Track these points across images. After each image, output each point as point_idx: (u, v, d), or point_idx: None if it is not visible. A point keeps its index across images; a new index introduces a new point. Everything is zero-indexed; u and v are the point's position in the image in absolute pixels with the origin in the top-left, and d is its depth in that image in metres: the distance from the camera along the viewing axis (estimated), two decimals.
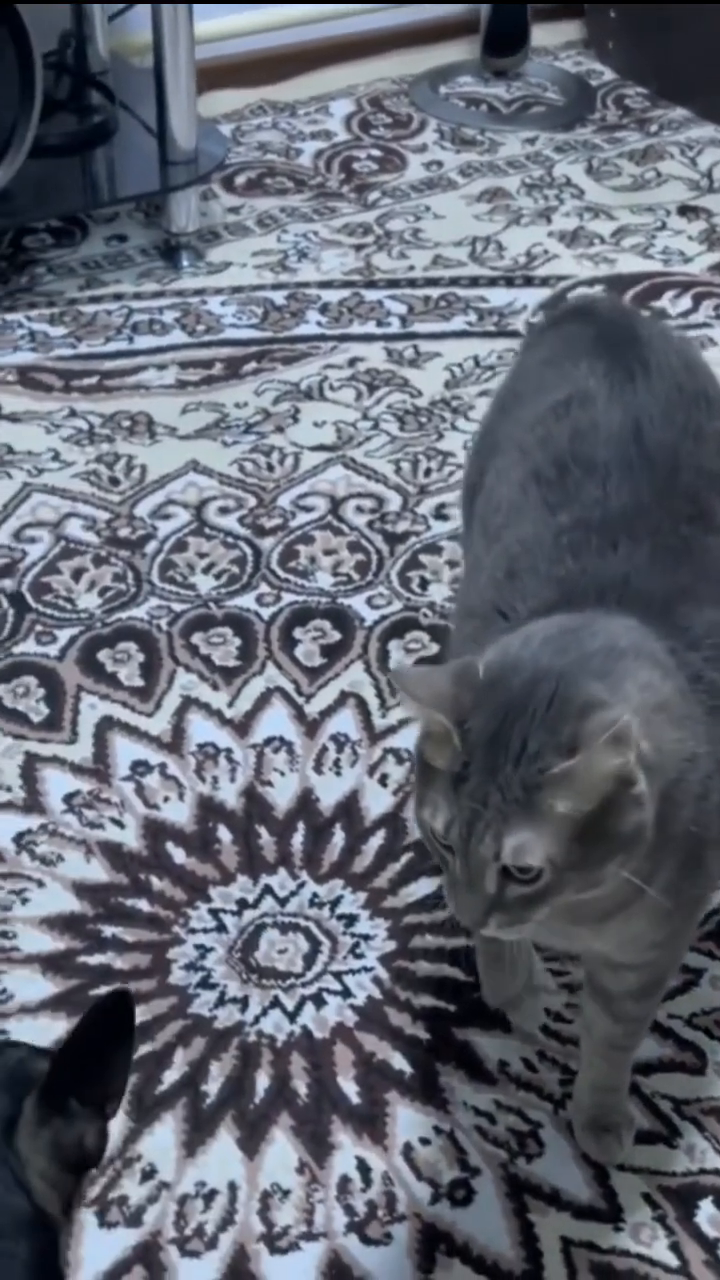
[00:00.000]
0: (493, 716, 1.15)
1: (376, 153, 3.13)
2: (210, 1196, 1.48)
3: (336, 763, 1.91)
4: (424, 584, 2.13)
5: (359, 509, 2.27)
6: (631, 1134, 1.52)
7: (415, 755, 1.22)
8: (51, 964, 1.69)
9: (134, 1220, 1.46)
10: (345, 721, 1.95)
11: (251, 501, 2.29)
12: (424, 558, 2.18)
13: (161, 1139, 1.53)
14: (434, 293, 2.71)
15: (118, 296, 2.72)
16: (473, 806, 1.14)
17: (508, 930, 1.19)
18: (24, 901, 1.75)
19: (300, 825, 1.84)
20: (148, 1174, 1.50)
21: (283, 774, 1.90)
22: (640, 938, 1.31)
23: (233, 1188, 1.49)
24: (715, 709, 1.27)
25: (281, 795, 1.87)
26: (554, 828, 1.13)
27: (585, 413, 1.42)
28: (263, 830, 1.83)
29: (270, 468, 2.35)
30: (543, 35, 3.44)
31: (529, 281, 2.73)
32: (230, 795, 1.87)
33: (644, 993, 1.42)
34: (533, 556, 1.35)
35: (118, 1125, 1.53)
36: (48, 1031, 1.62)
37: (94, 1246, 1.44)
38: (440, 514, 2.24)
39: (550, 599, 1.31)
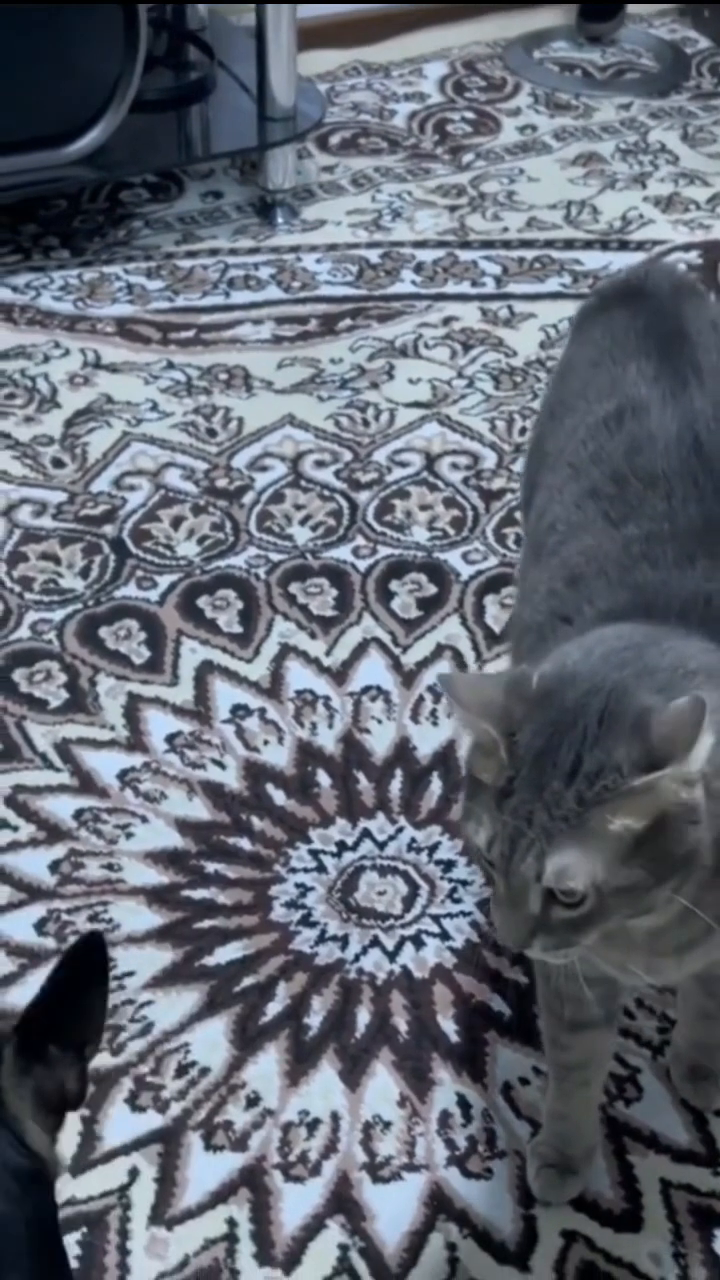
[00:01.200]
0: (542, 730, 1.11)
1: (470, 115, 3.14)
2: (313, 1125, 1.51)
3: (433, 713, 1.93)
4: (519, 541, 2.15)
5: (454, 465, 2.28)
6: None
7: (465, 768, 1.18)
8: (156, 896, 1.72)
9: (239, 1145, 1.50)
10: (442, 672, 1.97)
11: (347, 456, 2.31)
12: (520, 515, 2.19)
13: (265, 1068, 1.56)
14: (529, 254, 2.72)
15: (213, 252, 2.74)
16: (515, 824, 1.09)
17: (554, 954, 1.13)
18: (129, 836, 1.78)
19: (398, 772, 1.86)
20: (252, 1101, 1.53)
21: (380, 722, 1.92)
22: None
23: (335, 1117, 1.52)
24: None
25: (379, 742, 1.90)
26: (602, 848, 1.08)
27: (639, 425, 1.36)
28: (361, 776, 1.86)
29: (366, 423, 2.37)
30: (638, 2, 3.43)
31: (624, 245, 2.74)
32: (329, 741, 1.90)
33: None
34: (599, 563, 1.29)
35: (222, 1054, 1.57)
36: (154, 961, 1.65)
37: (200, 1169, 1.47)
38: None
39: (624, 602, 1.25)
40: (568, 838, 1.08)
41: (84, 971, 1.05)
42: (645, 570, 1.26)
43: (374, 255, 2.72)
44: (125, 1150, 1.49)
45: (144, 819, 1.80)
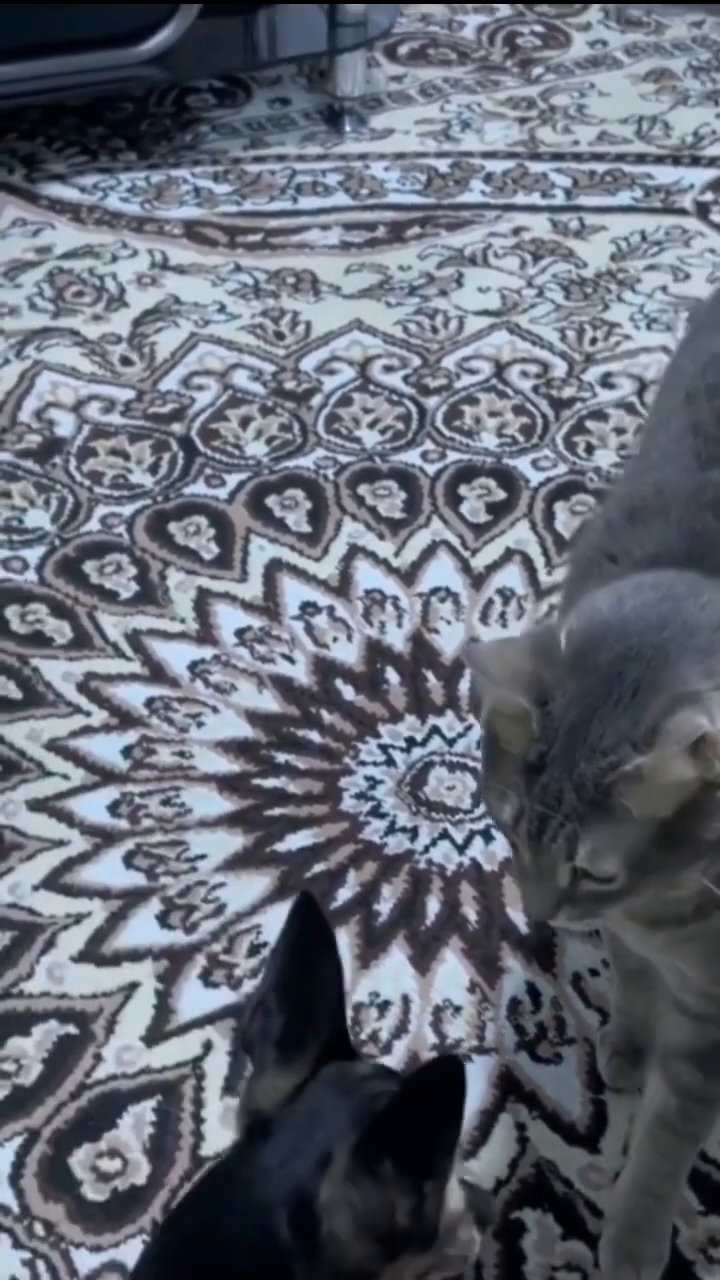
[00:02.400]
0: (575, 701, 1.03)
1: (540, 29, 3.10)
2: (384, 1006, 1.53)
3: (503, 615, 1.93)
4: (590, 449, 2.14)
5: (524, 374, 2.27)
6: (657, 1269, 1.32)
7: (484, 732, 1.10)
8: (227, 784, 1.73)
9: None
10: (511, 576, 1.97)
11: (416, 361, 2.30)
12: (590, 424, 2.18)
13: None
14: (599, 168, 2.69)
15: (281, 158, 2.72)
16: (546, 801, 1.03)
17: (578, 923, 1.10)
18: (199, 725, 1.79)
19: (467, 672, 1.87)
20: None
21: (449, 623, 1.92)
22: (700, 969, 1.19)
23: (405, 1000, 1.53)
24: None
25: (448, 643, 1.90)
26: (631, 831, 1.02)
27: None
28: (429, 675, 1.86)
29: (434, 330, 2.36)
30: None
31: (696, 161, 2.71)
32: (398, 640, 1.90)
33: (702, 1063, 1.24)
34: (666, 501, 1.20)
35: None
36: (224, 845, 1.67)
37: None
38: (606, 382, 2.24)
39: (675, 548, 1.16)
40: (597, 820, 1.02)
41: (440, 1097, 0.98)
42: (708, 519, 1.17)
43: (443, 165, 2.70)
44: (199, 1024, 1.51)
45: (214, 709, 1.81)
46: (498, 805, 1.07)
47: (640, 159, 2.72)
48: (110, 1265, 1.33)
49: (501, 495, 2.09)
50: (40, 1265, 1.33)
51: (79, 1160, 1.40)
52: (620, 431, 2.16)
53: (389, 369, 2.29)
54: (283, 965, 1.05)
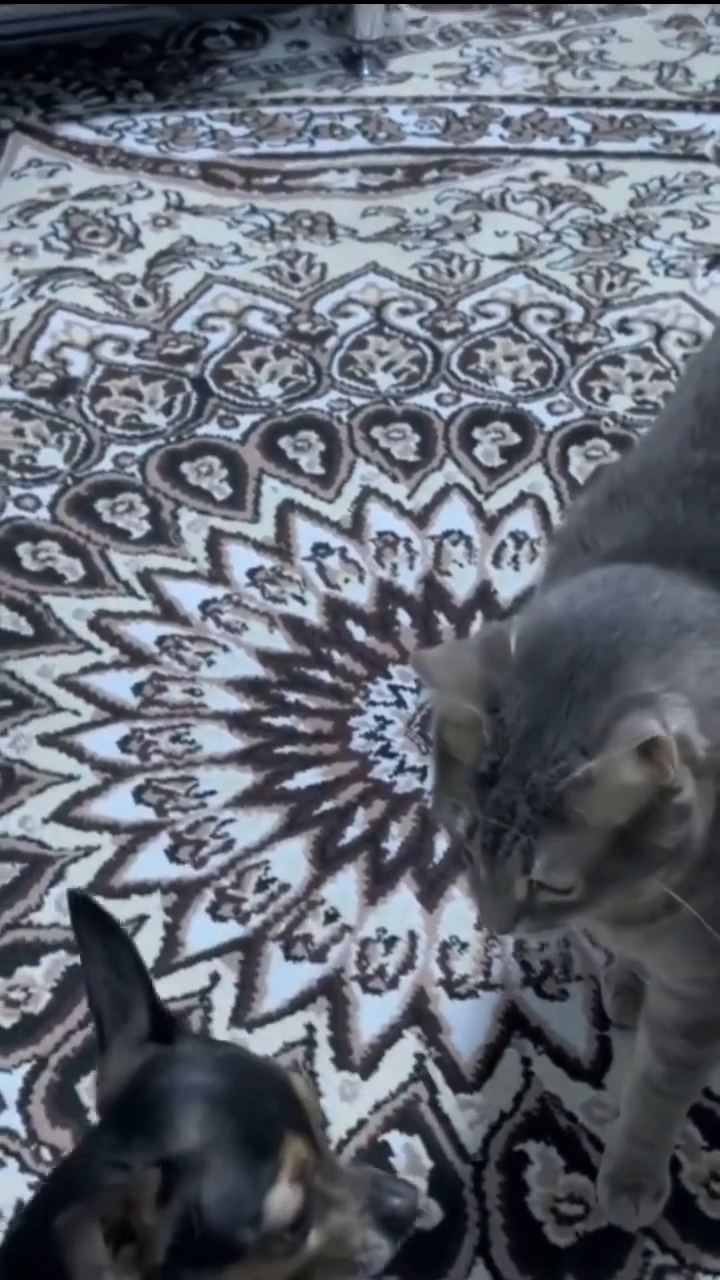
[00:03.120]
0: (527, 707, 1.00)
1: None
2: (391, 942, 1.53)
3: (515, 559, 1.92)
4: (605, 394, 2.13)
5: (540, 318, 2.26)
6: (656, 1204, 1.33)
7: (434, 740, 1.06)
8: (238, 722, 1.73)
9: (318, 957, 1.52)
10: (524, 520, 1.97)
11: (432, 305, 2.28)
12: (606, 369, 2.17)
13: (344, 887, 1.58)
14: (619, 113, 2.67)
15: (298, 100, 2.70)
16: (499, 814, 1.00)
17: (537, 935, 1.09)
18: (210, 663, 1.79)
19: (478, 615, 1.86)
20: (330, 917, 1.55)
21: (461, 565, 1.92)
22: (680, 960, 1.17)
23: (413, 936, 1.54)
24: None
25: (460, 585, 1.90)
26: (588, 840, 0.99)
27: None
28: (441, 616, 1.86)
29: (451, 273, 2.34)
30: None
31: (717, 108, 2.68)
32: (409, 582, 1.90)
33: (690, 1034, 1.23)
34: (647, 483, 1.18)
35: (301, 871, 1.59)
36: (235, 782, 1.67)
37: (279, 977, 1.50)
38: (624, 327, 2.23)
39: (638, 539, 1.14)
40: (551, 831, 0.99)
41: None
42: (677, 507, 1.15)
43: (461, 109, 2.68)
44: (207, 956, 1.51)
45: (225, 648, 1.81)
46: (450, 818, 1.04)
47: (661, 105, 2.69)
48: None
49: (516, 439, 2.08)
50: None
51: (86, 1088, 1.41)
52: (636, 377, 2.15)
53: (404, 312, 2.27)
54: (83, 962, 1.03)
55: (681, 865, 1.02)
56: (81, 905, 1.02)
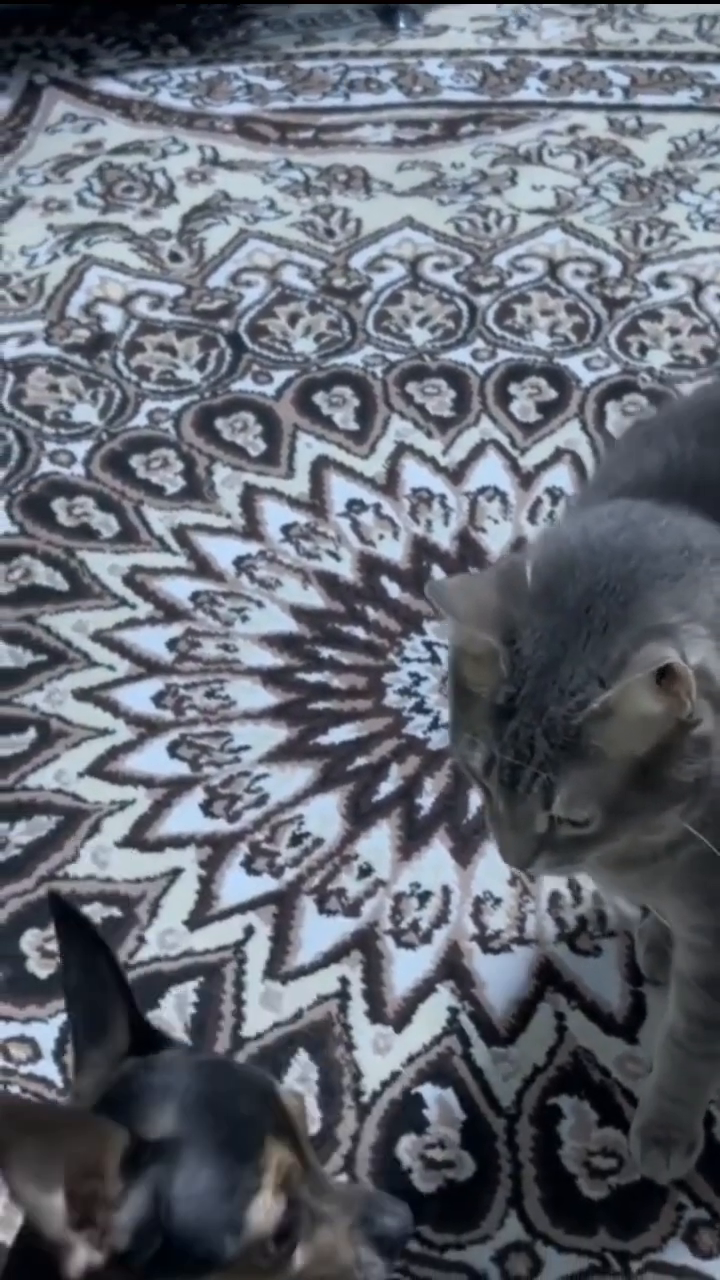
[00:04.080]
0: (544, 640, 0.99)
1: None
2: (425, 897, 1.54)
3: (551, 514, 1.91)
4: (644, 349, 2.11)
5: (577, 273, 2.24)
6: (689, 1157, 1.33)
7: (450, 674, 1.05)
8: (271, 677, 1.73)
9: (352, 911, 1.52)
10: (560, 476, 1.95)
11: (468, 260, 2.27)
12: (644, 323, 2.15)
13: (377, 842, 1.58)
14: (658, 66, 2.63)
15: (334, 54, 2.68)
16: (517, 749, 0.99)
17: (556, 870, 1.06)
18: (244, 619, 1.79)
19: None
20: (364, 871, 1.55)
21: (496, 522, 1.91)
22: (678, 904, 1.17)
23: (446, 891, 1.54)
24: None
25: (495, 541, 1.89)
26: (607, 774, 0.98)
27: None
28: (476, 573, 1.85)
29: (487, 228, 2.32)
30: None
31: None
32: (444, 538, 1.89)
33: (708, 987, 1.22)
34: (669, 428, 1.18)
35: (335, 827, 1.59)
36: (269, 737, 1.67)
37: (313, 930, 1.50)
38: (662, 282, 2.20)
39: (651, 476, 1.13)
40: (571, 764, 0.98)
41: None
42: (692, 443, 1.14)
43: (498, 62, 2.65)
44: (241, 909, 1.52)
45: (259, 604, 1.81)
46: (467, 752, 1.03)
47: (700, 58, 2.65)
48: None
49: (552, 395, 2.06)
50: None
51: None
52: (674, 332, 2.13)
53: (440, 267, 2.26)
54: (62, 969, 0.99)
55: (701, 800, 1.01)
56: (61, 910, 0.98)
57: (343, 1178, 1.32)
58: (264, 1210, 0.91)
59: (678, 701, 0.96)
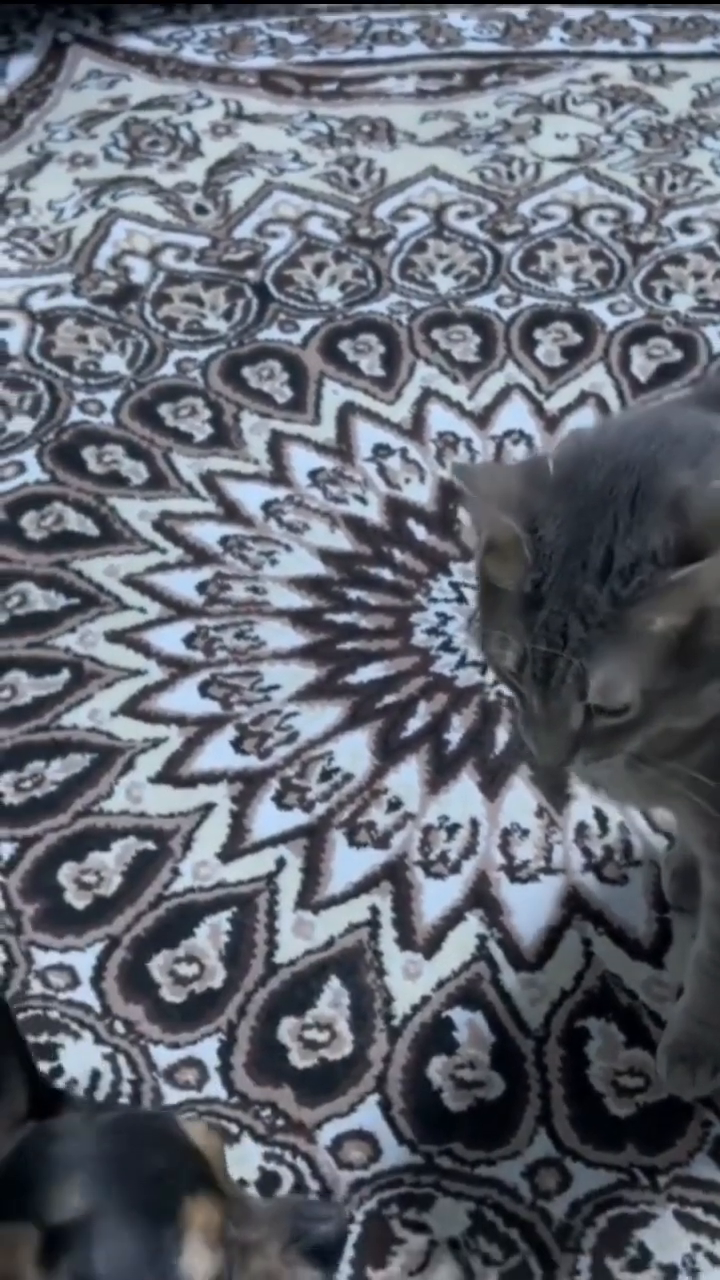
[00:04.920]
0: (568, 524, 0.98)
1: None
2: (453, 829, 1.56)
3: None
4: (668, 294, 2.12)
5: (601, 219, 2.25)
6: (715, 1077, 1.34)
7: (477, 575, 1.05)
8: (300, 618, 1.76)
9: (381, 843, 1.55)
10: (585, 419, 1.96)
11: (492, 208, 2.28)
12: (668, 268, 2.15)
13: (406, 777, 1.60)
14: (681, 14, 2.63)
15: (356, 7, 2.68)
16: (549, 638, 0.98)
17: (595, 765, 1.05)
18: (273, 562, 1.82)
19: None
20: (393, 805, 1.58)
21: None
22: (687, 812, 1.18)
23: (474, 823, 1.56)
24: None
25: None
26: (646, 653, 0.97)
27: None
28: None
29: (511, 176, 2.33)
30: None
31: None
32: None
33: None
34: None
35: (364, 762, 1.61)
36: (298, 677, 1.70)
37: (344, 862, 1.53)
38: (686, 227, 2.21)
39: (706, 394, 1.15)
40: (609, 646, 0.97)
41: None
42: None
43: (521, 12, 2.65)
44: (273, 842, 1.55)
45: (287, 547, 1.84)
46: (499, 653, 1.02)
47: None
48: (188, 1061, 1.38)
49: (577, 339, 2.07)
50: (121, 1059, 1.38)
51: (158, 965, 1.45)
52: (699, 276, 2.13)
53: (464, 215, 2.27)
54: None
55: None
56: None
57: (374, 1098, 1.35)
58: (191, 1269, 0.88)
59: None
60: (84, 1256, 0.87)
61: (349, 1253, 1.26)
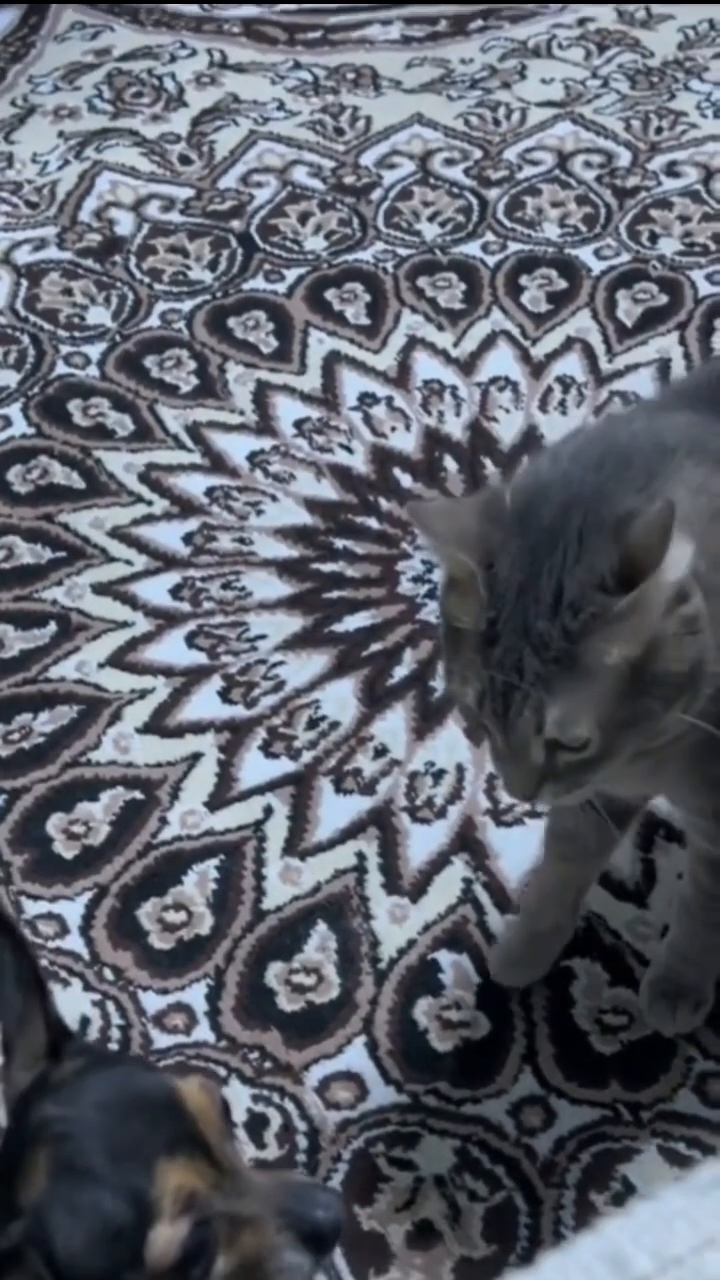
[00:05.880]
0: (520, 559, 0.98)
1: None
2: (439, 775, 1.57)
3: (562, 403, 1.92)
4: (654, 238, 2.11)
5: (587, 164, 2.23)
6: (696, 1014, 1.34)
7: (440, 615, 1.06)
8: (287, 568, 1.76)
9: (368, 790, 1.56)
10: (571, 365, 1.96)
11: (477, 154, 2.26)
12: (654, 212, 2.14)
13: (392, 724, 1.61)
14: None
15: None
16: (505, 674, 0.98)
17: (565, 798, 1.05)
18: (259, 513, 1.82)
19: (525, 459, 1.87)
20: (380, 752, 1.58)
21: (507, 411, 1.92)
22: (682, 786, 1.19)
23: (460, 769, 1.57)
24: None
25: (506, 431, 1.90)
26: (602, 686, 0.97)
27: None
28: (488, 461, 1.87)
29: (496, 122, 2.31)
30: None
31: None
32: (456, 429, 1.91)
33: (711, 870, 1.25)
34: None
35: (351, 710, 1.62)
36: (284, 626, 1.70)
37: (330, 809, 1.54)
38: (672, 171, 2.20)
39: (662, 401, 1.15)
40: (564, 681, 0.97)
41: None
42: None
43: None
44: (260, 790, 1.56)
45: (273, 498, 1.84)
46: (461, 689, 1.03)
47: None
48: (176, 1006, 1.40)
49: (563, 285, 2.06)
50: (110, 1006, 1.40)
51: (146, 913, 1.46)
52: (685, 220, 2.12)
53: (450, 162, 2.26)
54: None
55: (698, 691, 1.01)
56: None
57: (361, 1040, 1.37)
58: (164, 1242, 0.87)
59: (678, 556, 0.94)
60: (42, 1246, 0.86)
61: (337, 1191, 1.28)
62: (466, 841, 1.51)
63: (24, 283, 2.10)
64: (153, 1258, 0.86)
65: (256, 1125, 1.32)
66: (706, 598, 0.99)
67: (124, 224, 2.18)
